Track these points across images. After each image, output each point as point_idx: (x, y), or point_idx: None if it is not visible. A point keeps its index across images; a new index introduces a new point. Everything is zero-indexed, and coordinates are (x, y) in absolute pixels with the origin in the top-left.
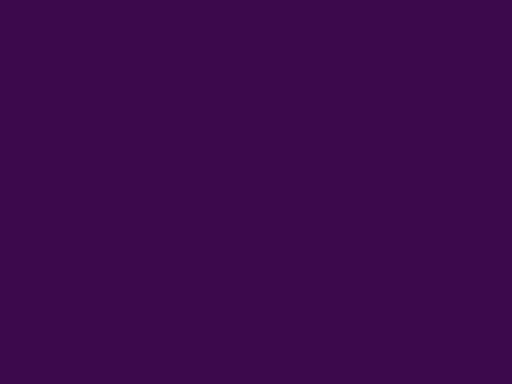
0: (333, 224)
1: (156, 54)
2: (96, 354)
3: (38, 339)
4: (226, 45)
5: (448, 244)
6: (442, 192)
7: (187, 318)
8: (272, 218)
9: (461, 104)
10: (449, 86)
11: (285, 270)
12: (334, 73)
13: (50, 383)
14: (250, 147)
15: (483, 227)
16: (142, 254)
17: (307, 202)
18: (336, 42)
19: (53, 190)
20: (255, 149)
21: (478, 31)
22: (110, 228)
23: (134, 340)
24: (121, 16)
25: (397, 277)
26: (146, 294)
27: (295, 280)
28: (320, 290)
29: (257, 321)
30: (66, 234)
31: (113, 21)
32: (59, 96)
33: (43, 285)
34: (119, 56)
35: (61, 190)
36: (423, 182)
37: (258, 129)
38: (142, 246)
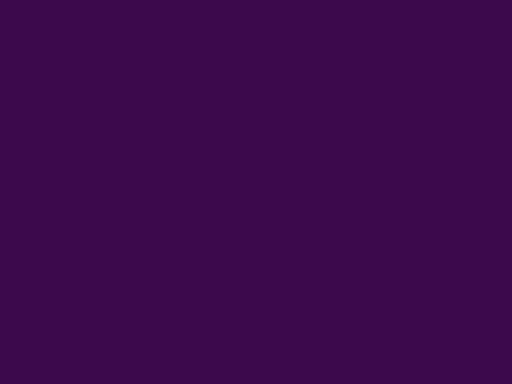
0: (333, 224)
1: (156, 54)
2: (96, 354)
3: (38, 339)
4: (226, 45)
5: (448, 244)
6: (442, 192)
7: (187, 318)
8: (272, 218)
9: (461, 104)
10: (449, 86)
11: (285, 270)
12: (334, 73)
13: (50, 383)
14: (250, 147)
15: (483, 227)
16: (142, 253)
17: (307, 202)
18: (336, 42)
19: (53, 190)
20: (255, 149)
21: (478, 31)
22: (110, 228)
23: (134, 340)
24: (121, 16)
25: (397, 277)
26: (146, 294)
27: (295, 280)
28: (320, 290)
29: (257, 321)
30: (66, 234)
31: (113, 21)
32: (59, 96)
33: (43, 285)
34: (119, 56)
35: (61, 190)
36: (423, 182)
37: (258, 129)
38: (142, 246)
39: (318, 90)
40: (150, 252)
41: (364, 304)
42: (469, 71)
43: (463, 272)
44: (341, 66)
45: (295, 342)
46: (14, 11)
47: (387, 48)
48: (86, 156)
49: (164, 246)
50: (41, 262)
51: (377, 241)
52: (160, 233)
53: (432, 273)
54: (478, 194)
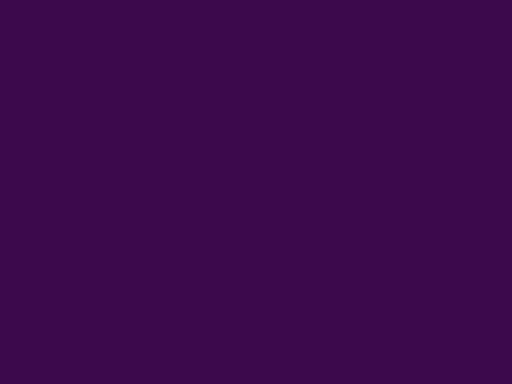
0: (333, 224)
1: (156, 54)
2: (96, 354)
3: (38, 339)
4: (226, 45)
5: (448, 244)
6: (442, 192)
7: (187, 318)
8: (272, 218)
9: (461, 104)
10: (449, 86)
11: (285, 270)
12: (334, 73)
13: (50, 383)
14: (250, 147)
15: (483, 227)
16: (142, 254)
17: (307, 202)
18: (336, 42)
19: (53, 190)
20: (255, 149)
21: (478, 31)
22: (110, 228)
23: (134, 340)
24: (121, 16)
25: (397, 277)
26: (146, 294)
27: (295, 280)
28: (320, 290)
29: (257, 321)
30: (66, 234)
31: (113, 21)
32: (59, 96)
33: (43, 285)
34: (119, 56)
35: (61, 190)
36: (423, 182)
37: (258, 129)
38: (142, 246)
39: (318, 90)
40: (150, 252)
41: (364, 304)
42: (469, 71)
43: (463, 272)
44: (341, 66)
45: (295, 342)
46: (14, 11)
47: (387, 48)
48: (86, 156)
49: (164, 246)
50: (41, 262)
51: (377, 241)
52: (160, 233)
53: (432, 273)
54: (478, 194)
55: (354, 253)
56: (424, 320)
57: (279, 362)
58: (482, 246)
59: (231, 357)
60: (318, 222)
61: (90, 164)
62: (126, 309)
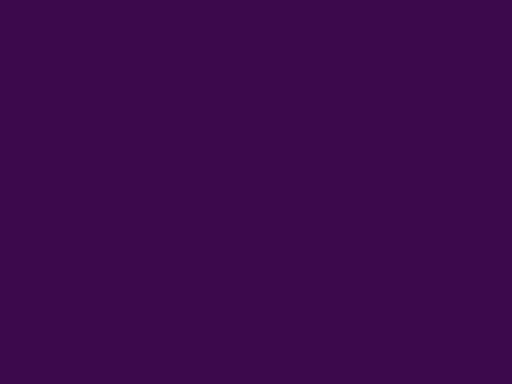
0: (333, 224)
1: (156, 54)
2: (96, 354)
3: (38, 339)
4: (226, 45)
5: (448, 244)
6: (442, 192)
7: (187, 318)
8: (272, 218)
9: (461, 104)
10: (449, 86)
11: (285, 270)
12: (334, 73)
13: (50, 383)
14: (250, 147)
15: (483, 227)
16: (142, 254)
17: (307, 202)
18: (336, 42)
19: (53, 190)
20: (255, 149)
21: (478, 31)
22: (110, 228)
23: (134, 340)
24: (121, 16)
25: (397, 277)
26: (146, 294)
27: (295, 280)
28: (320, 290)
29: (257, 321)
30: (66, 234)
31: (113, 21)
32: (59, 96)
33: (43, 285)
34: (119, 56)
35: (61, 190)
36: (423, 182)
37: (258, 129)
38: (142, 246)
39: (318, 90)
40: (150, 252)
41: (364, 304)
42: (469, 71)
43: (463, 272)
44: (341, 66)
45: (295, 342)
46: (14, 11)
47: (387, 48)
48: (86, 156)
49: (164, 246)
50: (41, 261)
51: (377, 241)
52: (160, 233)
53: (432, 273)
54: (478, 194)
55: (354, 253)
56: (424, 320)
57: (279, 362)
58: (482, 246)
59: (231, 357)
60: (318, 222)
61: (90, 164)
62: (126, 309)
